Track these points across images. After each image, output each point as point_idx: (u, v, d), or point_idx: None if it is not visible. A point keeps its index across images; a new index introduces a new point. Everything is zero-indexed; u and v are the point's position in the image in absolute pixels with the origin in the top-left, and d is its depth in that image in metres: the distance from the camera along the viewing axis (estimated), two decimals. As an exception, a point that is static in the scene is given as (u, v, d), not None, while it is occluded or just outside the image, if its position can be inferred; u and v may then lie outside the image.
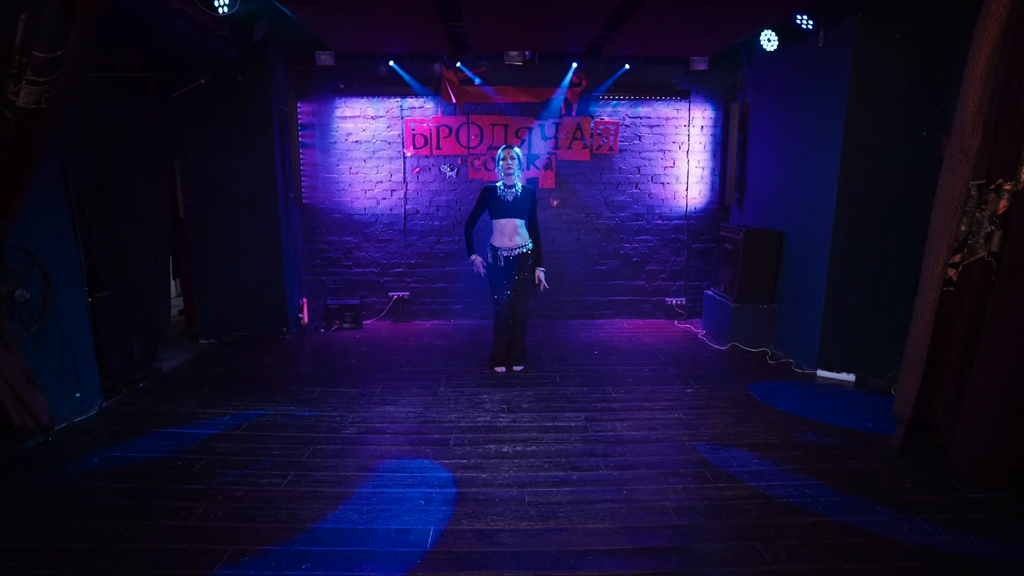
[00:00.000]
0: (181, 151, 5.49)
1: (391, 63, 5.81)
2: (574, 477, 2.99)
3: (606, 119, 6.32)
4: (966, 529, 2.52)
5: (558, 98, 6.12)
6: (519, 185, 4.41)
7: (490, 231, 4.51)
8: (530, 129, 6.27)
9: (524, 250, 4.46)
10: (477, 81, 5.97)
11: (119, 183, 4.78)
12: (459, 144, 6.28)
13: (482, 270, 4.55)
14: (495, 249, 4.48)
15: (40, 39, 2.68)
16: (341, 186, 6.33)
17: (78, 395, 3.65)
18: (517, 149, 4.44)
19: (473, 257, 4.56)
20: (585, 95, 6.12)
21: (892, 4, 3.90)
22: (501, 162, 4.36)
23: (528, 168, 6.29)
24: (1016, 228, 2.80)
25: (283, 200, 5.73)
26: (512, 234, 4.42)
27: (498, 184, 4.42)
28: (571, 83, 6.04)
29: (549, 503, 2.74)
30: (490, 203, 4.43)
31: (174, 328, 5.91)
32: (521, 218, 4.42)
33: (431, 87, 6.06)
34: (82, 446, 3.31)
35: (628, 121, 6.35)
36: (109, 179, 4.67)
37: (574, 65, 5.87)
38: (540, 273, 4.56)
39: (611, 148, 6.37)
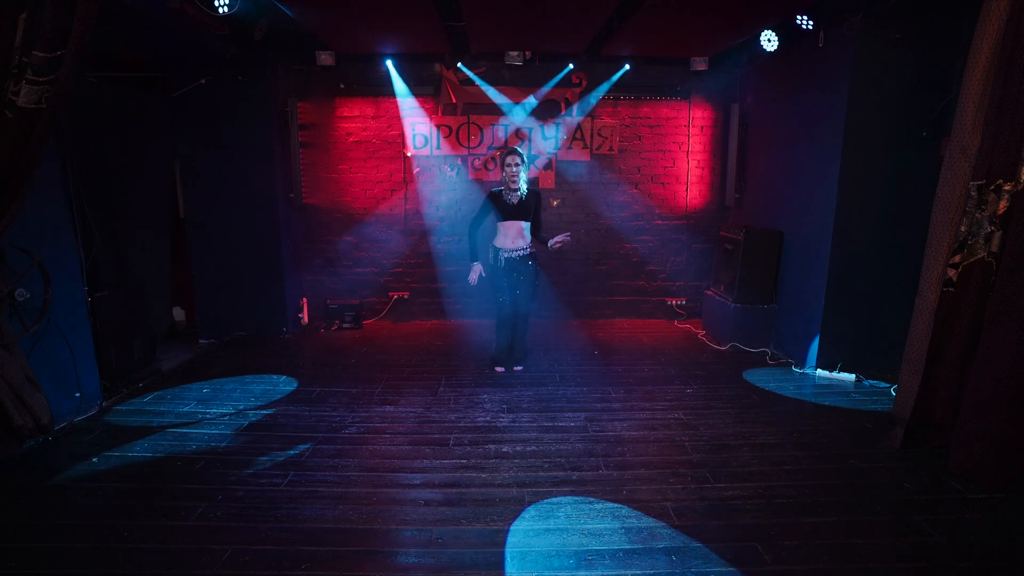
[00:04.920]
0: (181, 151, 5.49)
1: (390, 65, 5.81)
2: (574, 477, 2.99)
3: (606, 119, 6.32)
4: (966, 529, 2.52)
5: (558, 98, 6.13)
6: (524, 188, 4.39)
7: (494, 232, 4.49)
8: (530, 129, 6.27)
9: (525, 253, 4.44)
10: (477, 81, 5.97)
11: (119, 183, 4.77)
12: (459, 144, 6.28)
13: (474, 279, 4.48)
14: (497, 250, 4.46)
15: (40, 39, 2.68)
16: (341, 186, 6.33)
17: (78, 395, 3.65)
18: (521, 152, 4.40)
19: (474, 264, 4.49)
20: (585, 95, 6.12)
21: (892, 4, 3.90)
22: (506, 168, 4.33)
23: (528, 168, 6.29)
24: (1016, 228, 2.80)
25: (283, 200, 5.73)
26: (516, 236, 4.40)
27: (502, 188, 4.40)
28: (571, 83, 6.05)
29: (549, 503, 2.74)
30: (495, 207, 4.42)
31: (174, 327, 5.90)
32: (526, 220, 4.41)
33: (431, 87, 6.07)
34: (82, 446, 3.31)
35: (628, 121, 6.35)
36: (109, 179, 4.66)
37: (572, 66, 5.88)
38: (556, 240, 4.31)
39: (611, 148, 6.37)
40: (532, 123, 6.24)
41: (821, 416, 3.77)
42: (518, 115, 6.20)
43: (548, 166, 6.39)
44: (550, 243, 4.34)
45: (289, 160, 5.82)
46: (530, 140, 6.30)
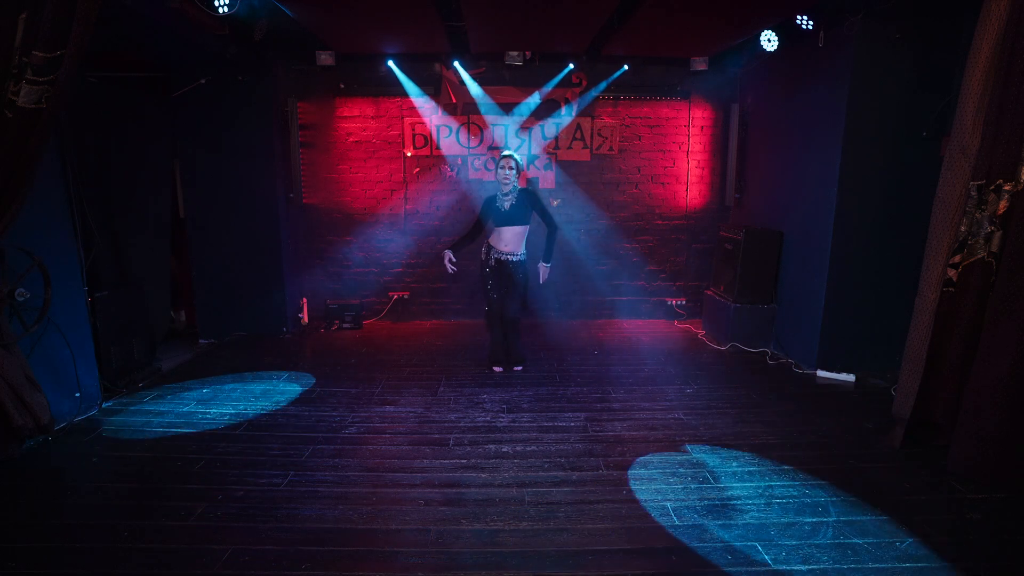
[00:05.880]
0: (181, 151, 5.49)
1: (391, 63, 5.81)
2: (574, 477, 2.99)
3: (606, 119, 6.32)
4: (966, 529, 2.52)
5: (558, 98, 6.13)
6: (516, 189, 4.38)
7: (491, 232, 4.51)
8: (530, 129, 6.28)
9: (515, 258, 4.44)
10: (471, 83, 5.96)
11: (119, 183, 4.77)
12: (459, 144, 6.29)
13: (450, 267, 4.45)
14: (490, 247, 4.48)
15: (40, 39, 2.68)
16: (341, 186, 6.33)
17: (78, 395, 3.65)
18: (516, 156, 4.40)
19: (445, 251, 4.48)
20: (585, 95, 6.12)
21: (892, 4, 3.90)
22: (500, 171, 4.34)
23: (528, 168, 6.30)
24: (1016, 228, 2.80)
25: (283, 200, 5.73)
26: (509, 241, 4.41)
27: (497, 193, 4.42)
28: (571, 83, 6.05)
29: (549, 503, 2.74)
30: (491, 212, 4.44)
31: (174, 327, 5.91)
32: (521, 225, 4.40)
33: (431, 87, 6.07)
34: (82, 446, 3.31)
35: (628, 121, 6.35)
36: (109, 179, 4.67)
37: (572, 66, 5.88)
38: (544, 268, 4.53)
39: (611, 148, 6.37)
40: (532, 123, 6.25)
41: (821, 416, 3.76)
42: (518, 115, 6.20)
43: (548, 166, 6.39)
44: (539, 265, 4.52)
45: (289, 160, 5.82)
46: (530, 140, 6.31)
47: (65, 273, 3.57)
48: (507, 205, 4.37)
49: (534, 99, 6.11)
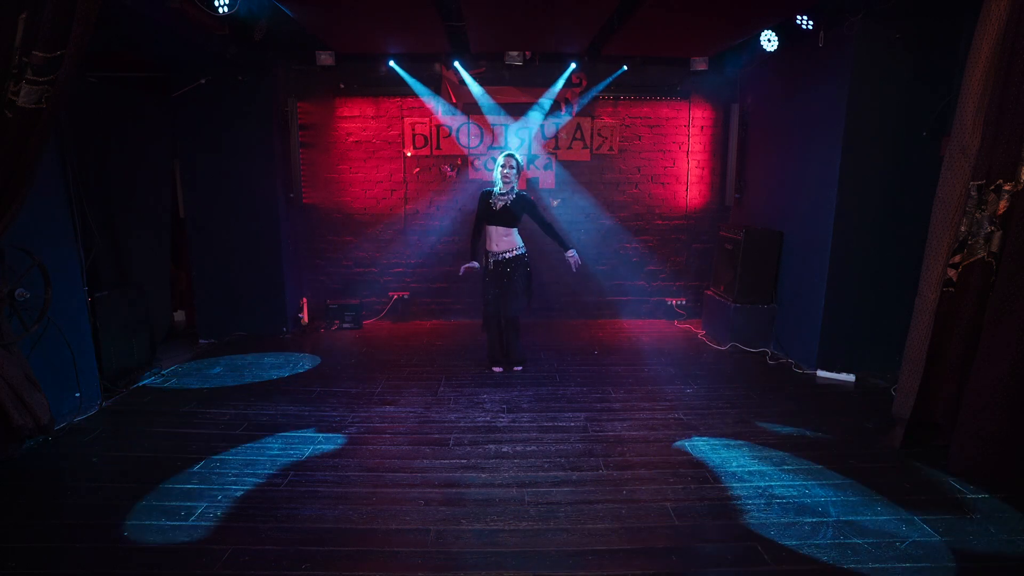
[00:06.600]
0: (181, 151, 5.49)
1: (391, 63, 5.81)
2: (574, 477, 2.99)
3: (606, 119, 6.32)
4: (966, 529, 2.52)
5: (558, 98, 6.13)
6: (515, 190, 4.39)
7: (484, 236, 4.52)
8: (530, 129, 6.27)
9: (510, 255, 4.43)
10: (472, 83, 5.96)
11: (119, 183, 4.78)
12: (459, 144, 6.29)
13: (462, 269, 4.56)
14: (485, 253, 4.51)
15: (40, 39, 2.68)
16: (341, 186, 6.33)
17: (78, 395, 3.65)
18: (518, 156, 4.41)
19: (471, 263, 4.56)
20: (585, 95, 6.12)
21: (892, 4, 3.90)
22: (500, 169, 4.34)
23: (528, 168, 6.30)
24: (1016, 229, 2.80)
25: (283, 200, 5.73)
26: (498, 240, 4.42)
27: (494, 189, 4.42)
28: (571, 83, 6.05)
29: (549, 503, 2.73)
30: (484, 208, 4.44)
31: (174, 328, 5.91)
32: (509, 226, 4.40)
33: (431, 87, 6.07)
34: (82, 446, 3.31)
35: (628, 121, 6.35)
36: (109, 179, 4.67)
37: (573, 65, 5.88)
38: (572, 254, 4.47)
39: (611, 148, 6.37)
40: (532, 123, 6.24)
41: (821, 416, 3.76)
42: (518, 115, 6.19)
43: (548, 166, 6.39)
44: (567, 254, 4.48)
45: (289, 160, 5.82)
46: (530, 140, 6.31)
47: (65, 273, 3.57)
48: (499, 205, 4.37)
49: (534, 99, 6.10)
